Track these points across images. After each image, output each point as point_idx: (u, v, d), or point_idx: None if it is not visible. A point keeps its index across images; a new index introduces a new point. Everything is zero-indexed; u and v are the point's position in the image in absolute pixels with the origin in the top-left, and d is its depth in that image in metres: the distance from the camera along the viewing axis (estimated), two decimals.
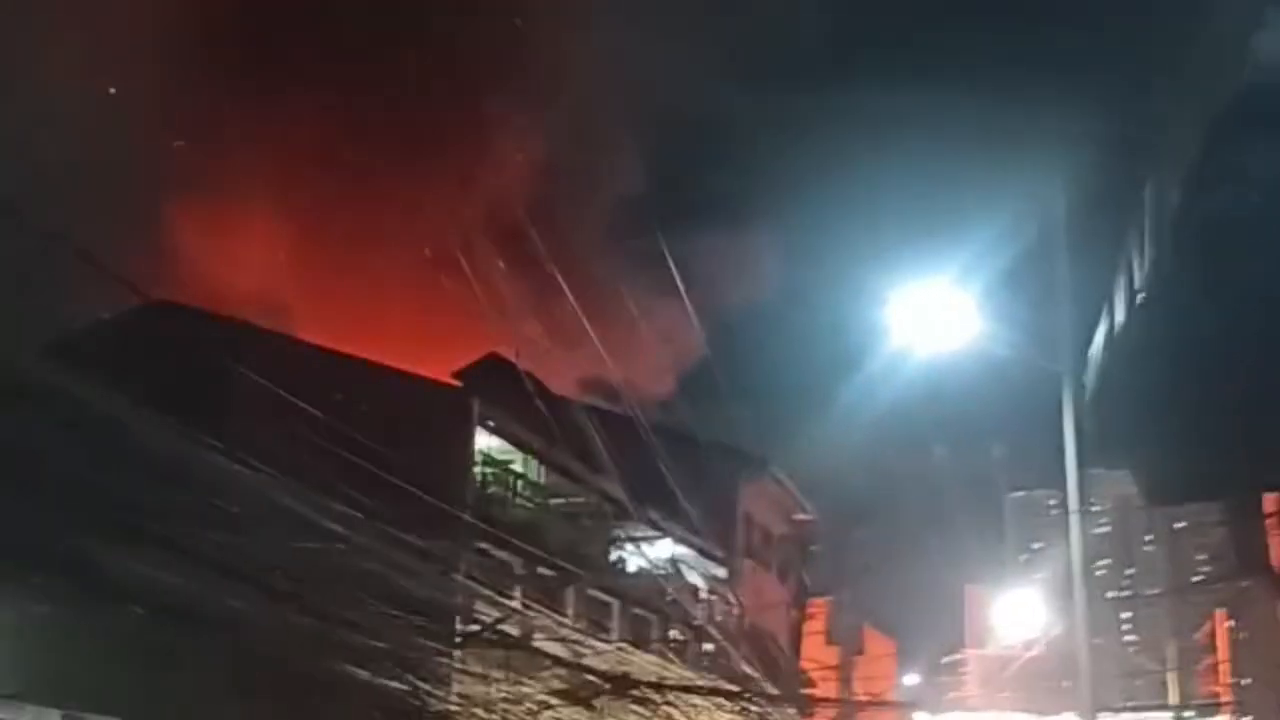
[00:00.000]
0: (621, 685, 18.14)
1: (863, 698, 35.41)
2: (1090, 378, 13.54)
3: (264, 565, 16.48)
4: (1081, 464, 14.29)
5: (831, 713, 30.88)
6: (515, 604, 22.14)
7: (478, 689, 18.12)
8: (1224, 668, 44.28)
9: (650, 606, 29.49)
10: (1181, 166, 9.05)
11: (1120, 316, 11.98)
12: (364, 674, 16.51)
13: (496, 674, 18.51)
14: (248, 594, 15.99)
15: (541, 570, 25.50)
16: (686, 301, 16.17)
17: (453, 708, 18.23)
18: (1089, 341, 13.60)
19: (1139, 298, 11.06)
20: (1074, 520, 14.20)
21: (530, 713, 18.05)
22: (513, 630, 20.65)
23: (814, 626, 43.25)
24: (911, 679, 57.94)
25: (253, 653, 17.56)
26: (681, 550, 31.01)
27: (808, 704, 28.47)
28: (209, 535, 15.91)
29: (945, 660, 57.68)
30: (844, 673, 37.94)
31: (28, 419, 13.29)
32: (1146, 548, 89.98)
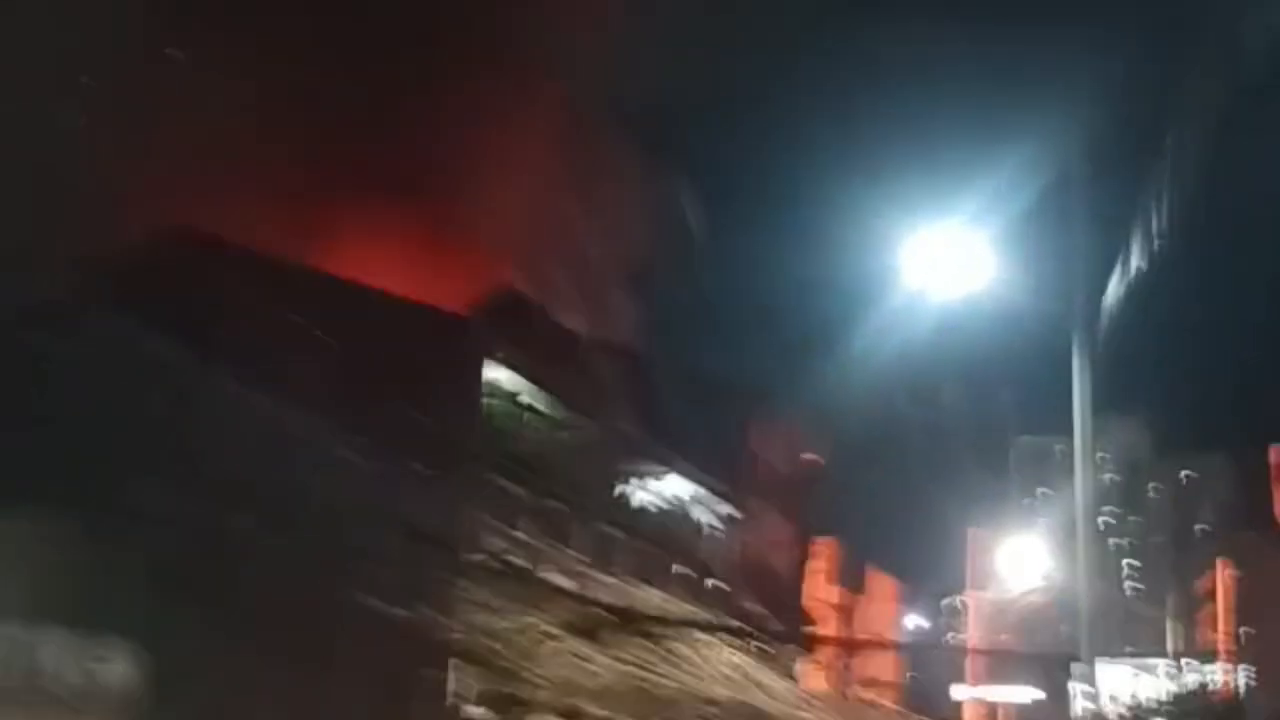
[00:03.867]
0: (626, 618, 18.28)
1: (864, 637, 35.68)
2: (1103, 324, 13.47)
3: (274, 494, 16.61)
4: (1090, 411, 14.25)
5: (833, 650, 31.13)
6: (521, 535, 22.28)
7: (482, 619, 18.26)
8: (1225, 618, 44.46)
9: (656, 542, 29.63)
10: (1206, 114, 8.97)
11: (1136, 263, 11.91)
12: (372, 601, 16.66)
13: (502, 604, 18.65)
14: (256, 522, 16.14)
15: (548, 502, 25.63)
16: (697, 234, 16.12)
17: (457, 636, 18.39)
18: (1103, 288, 13.52)
19: (1156, 245, 10.98)
20: (1080, 466, 14.22)
21: (534, 643, 18.20)
22: (519, 561, 20.80)
23: (818, 566, 43.52)
24: (914, 620, 58.38)
25: (263, 580, 17.73)
26: (688, 486, 31.14)
27: (810, 642, 28.70)
28: (219, 463, 16.04)
29: (946, 602, 57.95)
30: (846, 612, 38.22)
31: (49, 344, 13.40)
32: (1153, 496, 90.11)
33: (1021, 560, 42.11)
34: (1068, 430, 14.67)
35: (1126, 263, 12.33)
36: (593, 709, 17.66)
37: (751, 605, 25.31)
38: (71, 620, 16.80)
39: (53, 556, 18.96)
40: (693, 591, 28.18)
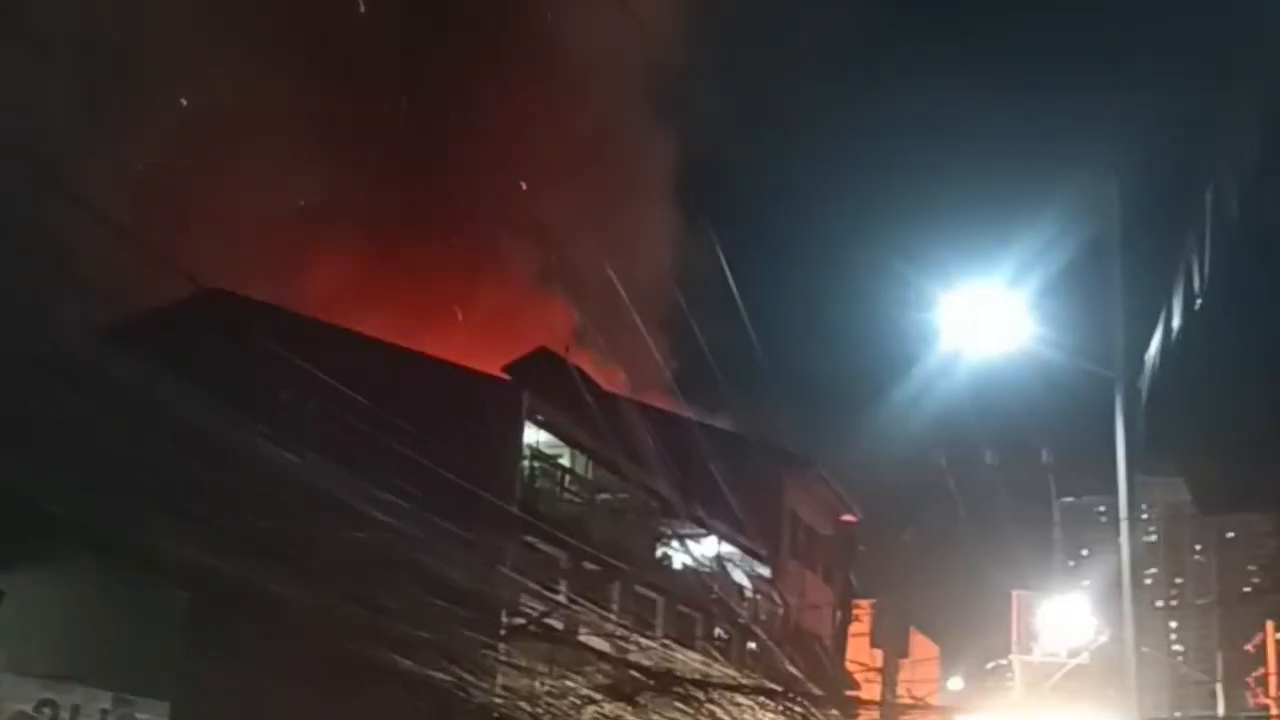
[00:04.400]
0: (665, 682, 18.13)
1: (906, 700, 35.22)
2: (1145, 383, 13.37)
3: (312, 552, 16.61)
4: (1132, 471, 14.12)
5: (875, 715, 30.77)
6: (560, 598, 22.18)
7: (522, 682, 18.17)
8: (1274, 680, 43.72)
9: (695, 604, 29.48)
10: (1242, 171, 8.93)
11: (1177, 322, 11.84)
12: (408, 664, 16.60)
13: (541, 668, 18.56)
14: (295, 581, 16.13)
15: (587, 565, 25.55)
16: (739, 301, 16.11)
17: (496, 700, 18.29)
18: (1143, 347, 13.44)
19: (1198, 304, 10.91)
20: (1124, 527, 14.06)
21: (574, 707, 18.08)
22: (558, 624, 20.69)
23: (859, 628, 43.07)
24: (956, 683, 57.60)
25: (299, 640, 17.71)
26: (727, 548, 30.99)
27: (851, 705, 28.37)
28: (258, 521, 16.05)
29: (990, 665, 57.32)
30: (888, 675, 37.77)
31: (80, 399, 13.47)
32: (1196, 557, 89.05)
33: (1066, 622, 41.55)
34: (1110, 490, 14.53)
35: (1168, 319, 12.25)
36: None
37: (792, 668, 25.04)
38: (101, 675, 16.82)
39: (82, 611, 19.00)
40: (733, 654, 27.96)
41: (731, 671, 22.48)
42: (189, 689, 17.82)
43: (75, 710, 15.88)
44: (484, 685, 17.66)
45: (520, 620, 20.13)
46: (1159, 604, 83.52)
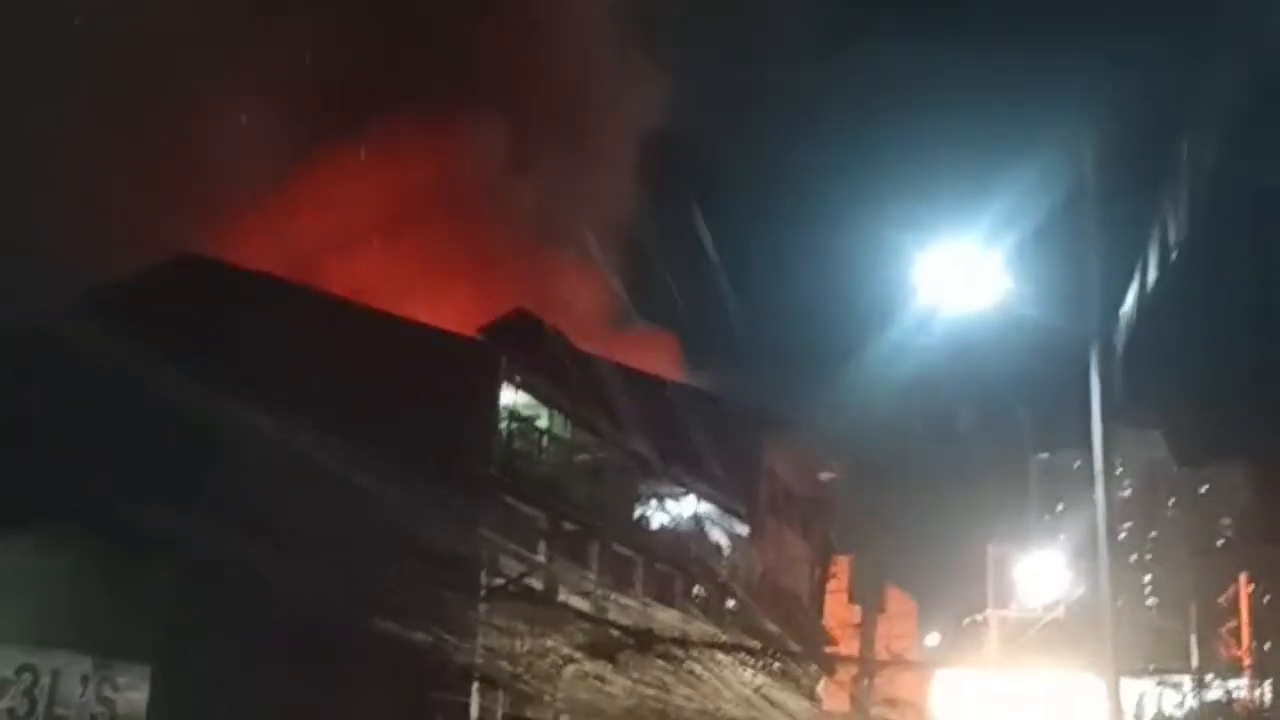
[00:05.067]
0: (645, 641, 18.21)
1: (884, 656, 35.50)
2: (1120, 338, 13.40)
3: (290, 519, 16.61)
4: (1108, 426, 14.18)
5: (853, 670, 30.97)
6: (540, 559, 22.25)
7: (502, 642, 18.23)
8: (1247, 631, 44.20)
9: (674, 563, 29.58)
10: (1220, 123, 8.91)
11: (1153, 275, 11.83)
12: (390, 626, 16.63)
13: (521, 627, 18.62)
14: (276, 546, 16.13)
15: (566, 525, 25.60)
16: (715, 259, 16.13)
17: (478, 661, 18.37)
18: (1119, 301, 13.46)
19: (1173, 256, 10.89)
20: (1099, 482, 14.15)
21: (554, 667, 18.15)
22: (537, 585, 20.76)
23: (836, 585, 43.34)
24: (933, 638, 58.10)
25: (280, 606, 17.72)
26: (705, 507, 31.07)
27: (830, 662, 28.56)
28: (233, 488, 16.04)
29: (966, 621, 57.74)
30: (866, 631, 38.02)
31: (62, 373, 13.43)
32: (1169, 512, 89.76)
33: (1042, 577, 41.87)
34: (1085, 445, 14.59)
35: (1144, 274, 12.25)
36: None
37: (770, 625, 25.17)
38: (88, 646, 16.76)
39: (68, 582, 18.97)
40: (712, 612, 28.08)
41: (711, 629, 22.61)
42: (171, 656, 17.80)
43: (55, 675, 15.82)
44: (465, 646, 17.73)
45: (500, 580, 20.20)
46: (1134, 558, 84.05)
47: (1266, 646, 46.77)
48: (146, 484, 16.90)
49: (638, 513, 29.49)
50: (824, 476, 40.24)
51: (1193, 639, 47.08)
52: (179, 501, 16.84)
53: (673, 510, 29.72)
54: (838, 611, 42.44)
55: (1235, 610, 46.62)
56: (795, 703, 19.31)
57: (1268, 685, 44.84)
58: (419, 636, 16.77)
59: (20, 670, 15.59)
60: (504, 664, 17.96)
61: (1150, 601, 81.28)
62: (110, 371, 16.57)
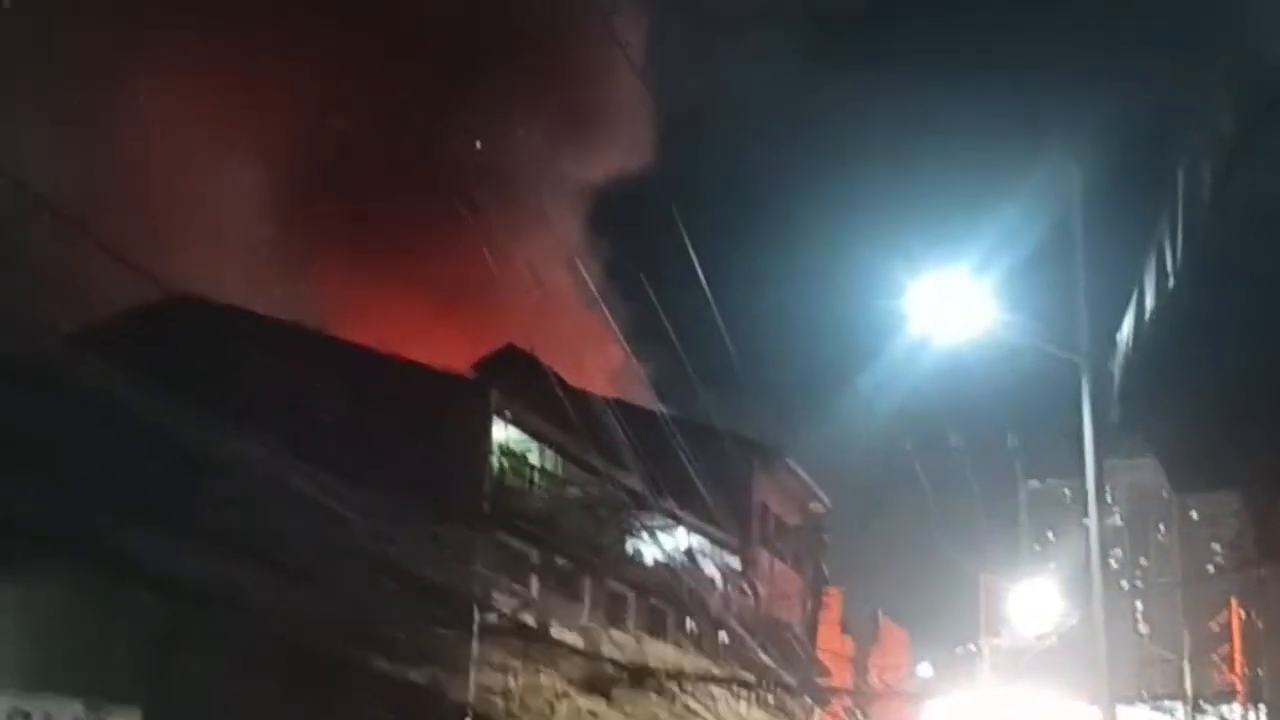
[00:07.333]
0: (639, 675, 18.19)
1: (877, 687, 35.45)
2: (1117, 365, 13.43)
3: (283, 553, 16.54)
4: (1100, 454, 14.22)
5: (847, 701, 30.90)
6: (532, 594, 22.18)
7: (496, 678, 18.18)
8: (1239, 657, 44.14)
9: (667, 597, 29.51)
10: (1216, 146, 8.90)
11: (1150, 302, 11.84)
12: (383, 663, 16.58)
13: (514, 663, 18.57)
14: (267, 581, 16.06)
15: (558, 560, 25.54)
16: (706, 290, 16.14)
17: (471, 698, 18.30)
18: (1113, 330, 13.50)
19: (1170, 283, 10.88)
20: (1093, 509, 14.17)
21: (548, 702, 18.11)
22: (530, 620, 20.69)
23: (829, 616, 43.29)
24: (925, 668, 57.99)
25: (271, 642, 17.62)
26: (697, 540, 31.02)
27: (823, 693, 28.50)
28: (228, 522, 15.97)
29: (959, 650, 57.67)
30: (859, 662, 37.98)
31: (48, 405, 13.37)
32: (1160, 537, 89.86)
33: (1034, 605, 41.81)
34: (1074, 474, 14.63)
35: (1140, 300, 12.27)
36: None
37: (764, 657, 25.13)
38: (74, 682, 16.69)
39: (56, 619, 18.84)
40: (705, 646, 28.02)
41: (704, 662, 22.58)
42: (161, 693, 17.71)
43: (48, 718, 15.75)
44: (459, 682, 17.67)
45: (493, 616, 20.12)
46: (1125, 585, 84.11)
47: (1260, 671, 46.65)
48: (136, 518, 16.84)
49: (630, 546, 29.44)
50: (815, 507, 40.22)
51: (1185, 665, 47.05)
52: (168, 536, 16.78)
53: (665, 543, 29.67)
54: (830, 642, 42.37)
55: (1228, 636, 46.58)
56: None
57: (1262, 710, 44.74)
58: (412, 673, 16.72)
59: (12, 716, 15.54)
60: (498, 700, 17.91)
61: (1142, 628, 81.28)
62: (106, 404, 16.54)
